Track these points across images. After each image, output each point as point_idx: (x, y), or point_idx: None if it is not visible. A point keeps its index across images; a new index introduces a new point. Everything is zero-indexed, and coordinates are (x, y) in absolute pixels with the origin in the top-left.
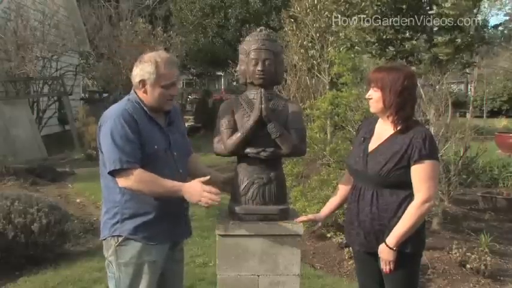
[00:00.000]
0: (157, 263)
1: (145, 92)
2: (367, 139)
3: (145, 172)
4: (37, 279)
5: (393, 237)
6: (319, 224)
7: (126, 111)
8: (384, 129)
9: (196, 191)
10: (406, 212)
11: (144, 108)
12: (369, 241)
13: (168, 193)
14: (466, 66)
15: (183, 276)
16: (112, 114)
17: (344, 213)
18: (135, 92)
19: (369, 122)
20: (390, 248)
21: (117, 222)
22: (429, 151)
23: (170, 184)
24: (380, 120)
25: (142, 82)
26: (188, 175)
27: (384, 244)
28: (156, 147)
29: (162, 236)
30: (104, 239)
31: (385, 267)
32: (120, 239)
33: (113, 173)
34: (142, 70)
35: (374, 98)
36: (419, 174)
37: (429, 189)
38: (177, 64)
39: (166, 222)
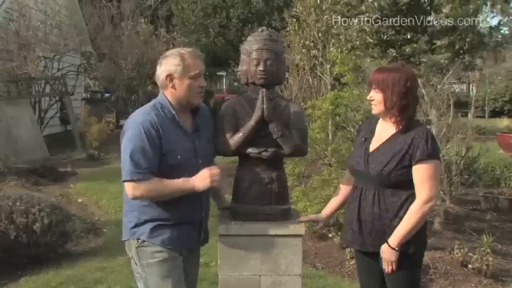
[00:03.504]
0: (178, 260)
1: (173, 87)
2: (368, 139)
3: (153, 180)
4: (39, 279)
5: (395, 237)
6: (321, 224)
7: (148, 120)
8: (384, 130)
9: (205, 177)
10: (408, 212)
11: (172, 111)
12: (371, 241)
13: (179, 191)
14: (468, 69)
15: (197, 280)
16: (134, 122)
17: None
18: (163, 94)
19: (369, 122)
20: (392, 248)
21: (135, 225)
22: (431, 151)
23: (179, 182)
24: (381, 121)
25: (170, 77)
26: None
27: (386, 244)
28: (179, 157)
29: (179, 242)
30: (126, 240)
31: (387, 267)
32: (139, 240)
33: (125, 183)
34: (167, 65)
35: (376, 99)
36: (421, 174)
37: (431, 189)
38: (201, 57)
39: (182, 229)
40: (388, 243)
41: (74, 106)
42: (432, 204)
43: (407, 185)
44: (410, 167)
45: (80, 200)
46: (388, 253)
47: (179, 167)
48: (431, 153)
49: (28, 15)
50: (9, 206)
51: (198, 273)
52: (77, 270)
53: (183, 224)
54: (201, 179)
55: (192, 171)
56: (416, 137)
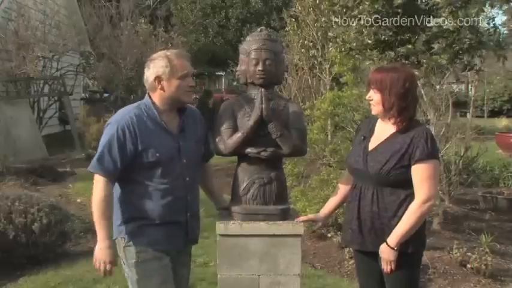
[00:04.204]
0: (164, 260)
1: (162, 88)
2: (367, 138)
3: (105, 192)
4: (38, 279)
5: (394, 236)
6: (320, 224)
7: (126, 119)
8: (384, 129)
9: (102, 258)
10: (407, 211)
11: (155, 112)
12: (370, 240)
13: (97, 222)
14: (466, 69)
15: (189, 279)
16: (114, 120)
17: (344, 213)
18: (149, 96)
19: (369, 121)
20: (391, 248)
21: (120, 224)
22: (430, 150)
23: (101, 226)
24: (380, 120)
25: (158, 79)
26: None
27: (385, 244)
28: (158, 155)
29: (163, 242)
30: (115, 239)
31: (386, 267)
32: (125, 240)
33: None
34: (155, 67)
35: (374, 99)
36: (420, 173)
37: (430, 188)
38: (187, 57)
39: (167, 229)
40: (387, 243)
41: (72, 106)
42: (431, 204)
43: (406, 184)
44: (409, 166)
45: (78, 200)
46: (387, 253)
47: (159, 164)
48: (431, 153)
49: (27, 15)
50: (8, 206)
51: (190, 272)
52: (76, 270)
53: (168, 223)
54: (100, 257)
55: (175, 170)
56: (416, 137)
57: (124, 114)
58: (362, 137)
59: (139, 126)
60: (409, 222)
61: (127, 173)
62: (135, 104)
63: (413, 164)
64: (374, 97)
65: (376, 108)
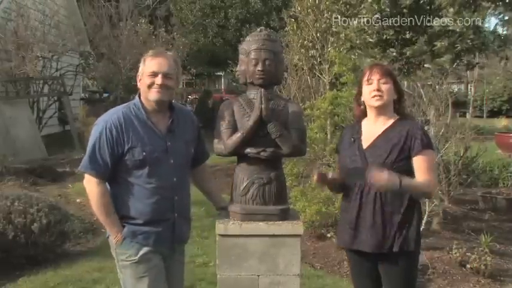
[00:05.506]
0: (154, 260)
1: (140, 86)
2: (357, 139)
3: (99, 190)
4: (37, 279)
5: (407, 179)
6: (331, 175)
7: (113, 119)
8: (374, 127)
9: (115, 237)
10: (422, 179)
11: (143, 111)
12: (369, 240)
13: (103, 222)
14: (468, 68)
15: (183, 277)
16: (102, 120)
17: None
18: (139, 96)
19: (352, 126)
20: (395, 181)
21: None
22: (428, 141)
23: (109, 222)
24: (366, 121)
25: (138, 78)
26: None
27: (394, 173)
28: (144, 153)
29: (150, 242)
30: (107, 237)
31: (372, 179)
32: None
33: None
34: (139, 69)
35: (385, 89)
36: (424, 164)
37: (433, 180)
38: (166, 56)
39: (152, 229)
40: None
41: (72, 106)
42: (434, 192)
43: (407, 176)
44: (409, 158)
45: (78, 200)
46: (388, 178)
47: (146, 163)
48: (429, 143)
49: (26, 15)
50: (8, 206)
51: (184, 271)
52: (75, 270)
53: (154, 223)
54: (113, 237)
55: (162, 170)
56: (411, 129)
57: (111, 114)
58: (352, 139)
59: (126, 125)
60: (420, 184)
61: (115, 172)
62: (125, 104)
63: (415, 155)
64: (384, 87)
65: (386, 98)
